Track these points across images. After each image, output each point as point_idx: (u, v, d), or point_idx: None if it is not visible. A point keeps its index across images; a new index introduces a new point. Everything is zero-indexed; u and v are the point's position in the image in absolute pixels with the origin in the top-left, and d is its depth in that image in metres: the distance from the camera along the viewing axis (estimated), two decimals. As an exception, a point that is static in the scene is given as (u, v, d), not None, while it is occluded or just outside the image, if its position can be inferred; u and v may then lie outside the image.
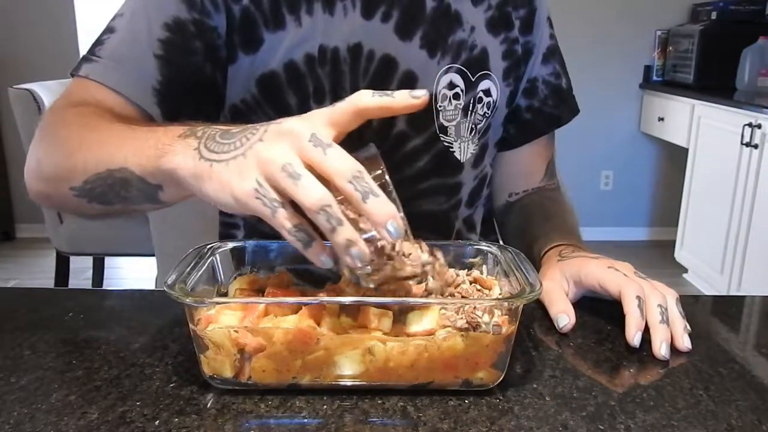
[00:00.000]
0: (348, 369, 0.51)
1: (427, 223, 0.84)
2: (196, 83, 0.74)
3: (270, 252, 0.64)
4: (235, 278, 0.62)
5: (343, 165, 0.46)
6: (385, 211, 0.45)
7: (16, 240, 3.58)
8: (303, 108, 0.76)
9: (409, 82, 0.78)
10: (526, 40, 0.86)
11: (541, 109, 0.90)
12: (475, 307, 0.52)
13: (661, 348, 0.58)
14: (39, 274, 3.09)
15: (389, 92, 0.50)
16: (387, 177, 0.50)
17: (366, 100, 0.49)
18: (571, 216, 0.89)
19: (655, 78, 3.46)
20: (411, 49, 0.77)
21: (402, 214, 0.49)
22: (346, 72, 0.76)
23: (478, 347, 0.51)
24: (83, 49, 3.47)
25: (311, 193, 0.45)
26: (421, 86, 0.78)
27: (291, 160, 0.46)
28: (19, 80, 2.52)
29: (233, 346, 0.50)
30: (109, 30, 0.74)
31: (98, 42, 0.73)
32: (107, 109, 0.69)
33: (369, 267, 0.49)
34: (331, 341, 0.50)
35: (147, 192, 0.57)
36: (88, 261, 2.64)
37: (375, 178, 0.48)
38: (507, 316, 0.52)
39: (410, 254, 0.51)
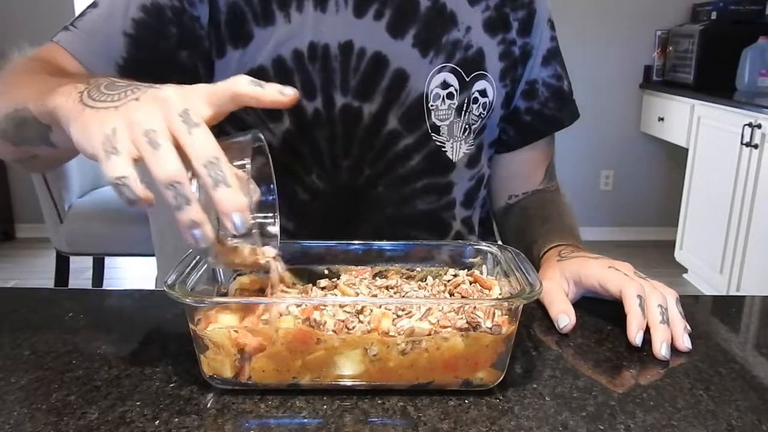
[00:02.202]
0: (348, 369, 0.51)
1: (421, 222, 0.84)
2: (167, 69, 0.76)
3: (270, 252, 0.64)
4: (235, 278, 0.62)
5: (202, 148, 0.46)
6: (231, 202, 0.45)
7: (16, 240, 3.58)
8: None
9: (400, 80, 0.78)
10: (525, 41, 0.85)
11: (541, 112, 0.90)
12: (475, 307, 0.52)
13: (661, 348, 0.58)
14: (39, 274, 3.09)
15: (263, 83, 0.50)
16: (248, 166, 0.50)
17: (241, 87, 0.50)
18: (570, 217, 0.89)
19: (655, 78, 3.46)
20: (402, 48, 0.77)
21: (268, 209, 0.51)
22: (337, 69, 0.76)
23: (478, 347, 0.51)
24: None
25: (164, 166, 0.45)
26: (412, 85, 0.78)
27: (156, 128, 0.46)
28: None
29: (233, 346, 0.50)
30: (93, 4, 0.77)
31: (80, 14, 0.76)
32: (57, 65, 0.71)
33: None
34: (331, 341, 0.50)
35: (41, 132, 0.59)
36: (88, 261, 2.64)
37: (239, 167, 0.49)
38: (507, 316, 0.52)
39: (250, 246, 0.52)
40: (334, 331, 0.50)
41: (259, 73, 0.75)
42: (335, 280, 0.61)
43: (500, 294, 0.59)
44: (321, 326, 0.50)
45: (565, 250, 0.74)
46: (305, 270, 0.63)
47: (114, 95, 0.49)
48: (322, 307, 0.51)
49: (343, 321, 0.50)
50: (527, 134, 0.91)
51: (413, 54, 0.78)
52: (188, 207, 0.45)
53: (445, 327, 0.51)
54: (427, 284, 0.61)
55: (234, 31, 0.75)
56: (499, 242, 0.96)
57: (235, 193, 0.45)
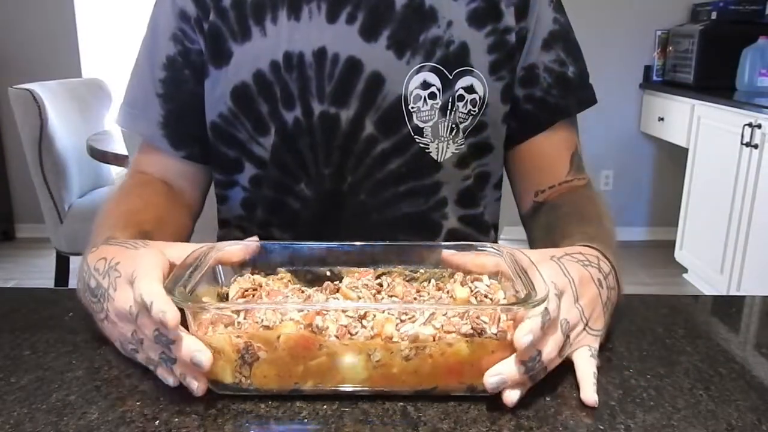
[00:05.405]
0: (351, 375, 0.50)
1: (408, 225, 0.82)
2: (194, 106, 0.81)
3: (270, 253, 0.64)
4: (236, 280, 0.61)
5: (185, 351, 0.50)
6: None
7: (16, 240, 3.57)
8: (274, 115, 0.78)
9: (376, 83, 0.76)
10: (521, 26, 0.80)
11: (544, 99, 0.83)
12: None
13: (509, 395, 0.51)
14: (39, 274, 3.09)
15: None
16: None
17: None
18: (607, 221, 0.77)
19: (655, 78, 3.46)
20: (376, 51, 0.76)
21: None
22: (312, 76, 0.76)
23: (482, 353, 0.50)
24: (83, 49, 3.49)
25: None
26: (389, 87, 0.76)
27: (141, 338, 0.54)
28: (19, 80, 2.52)
29: (234, 351, 0.50)
30: (130, 78, 0.85)
31: (125, 90, 0.85)
32: (143, 183, 0.83)
33: None
34: (333, 347, 0.49)
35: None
36: (88, 261, 2.64)
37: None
38: (512, 322, 0.51)
39: None
40: (336, 337, 0.50)
41: (242, 89, 0.77)
42: (337, 283, 0.61)
43: (505, 299, 0.59)
44: (323, 332, 0.50)
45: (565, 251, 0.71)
46: (307, 272, 0.63)
47: (96, 303, 0.59)
48: (325, 312, 0.51)
49: (345, 326, 0.50)
50: (527, 124, 0.84)
51: (388, 56, 0.76)
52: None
53: (449, 332, 0.50)
54: (440, 284, 0.60)
55: (215, 51, 0.77)
56: (528, 244, 0.88)
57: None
